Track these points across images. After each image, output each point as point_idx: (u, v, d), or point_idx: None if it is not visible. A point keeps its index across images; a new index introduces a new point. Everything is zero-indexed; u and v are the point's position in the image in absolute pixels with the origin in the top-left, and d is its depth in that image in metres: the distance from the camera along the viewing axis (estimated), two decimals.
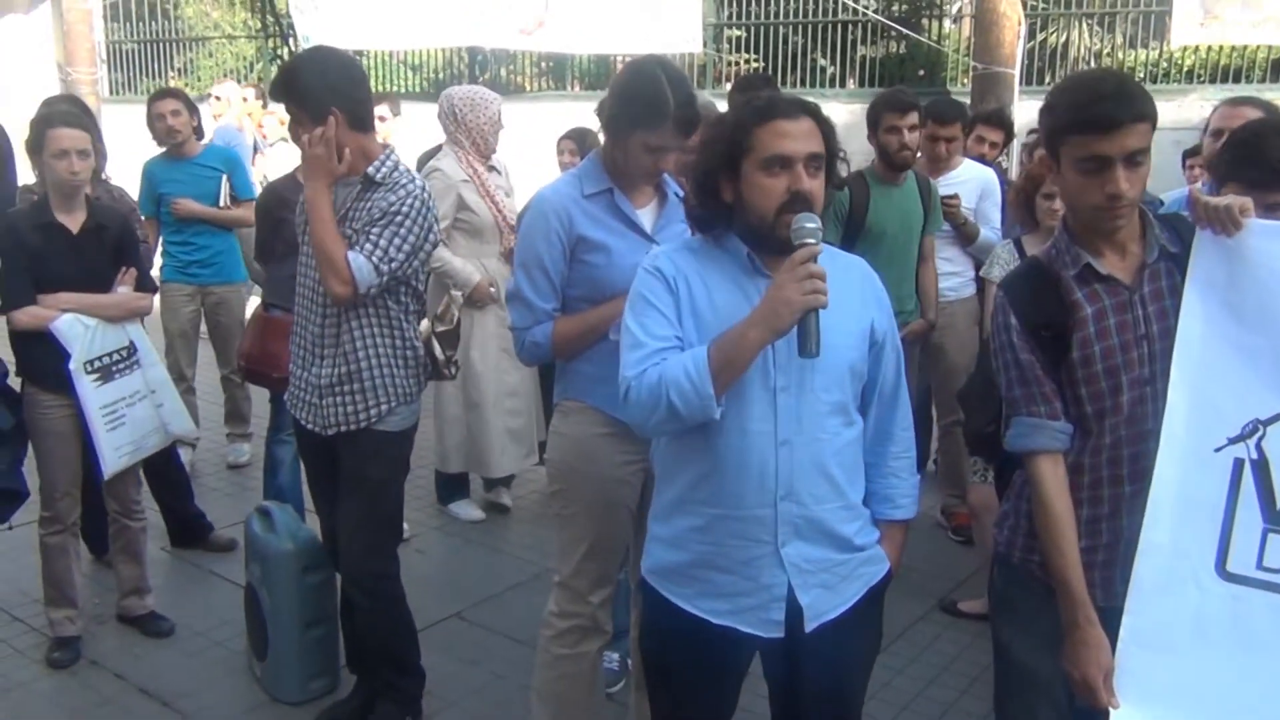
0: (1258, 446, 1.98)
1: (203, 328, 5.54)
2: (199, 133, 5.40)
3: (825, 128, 2.06)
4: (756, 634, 2.11)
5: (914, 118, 4.27)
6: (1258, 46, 9.10)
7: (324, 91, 2.86)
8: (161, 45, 13.09)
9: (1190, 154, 5.37)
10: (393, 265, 2.89)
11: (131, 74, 13.16)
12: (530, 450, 4.94)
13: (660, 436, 2.17)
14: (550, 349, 2.73)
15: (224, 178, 5.34)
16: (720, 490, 2.07)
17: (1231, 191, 2.29)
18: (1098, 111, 1.94)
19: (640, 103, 2.59)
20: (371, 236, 2.88)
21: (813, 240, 1.93)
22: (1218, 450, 2.00)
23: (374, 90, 3.10)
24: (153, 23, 12.97)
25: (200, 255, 5.34)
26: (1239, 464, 1.99)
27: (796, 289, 1.88)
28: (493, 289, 4.63)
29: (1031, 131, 5.81)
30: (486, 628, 3.96)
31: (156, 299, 4.06)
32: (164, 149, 5.31)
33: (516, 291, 2.73)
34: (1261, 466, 1.97)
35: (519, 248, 2.79)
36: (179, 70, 13.56)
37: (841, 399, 2.10)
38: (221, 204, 5.35)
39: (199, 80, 13.36)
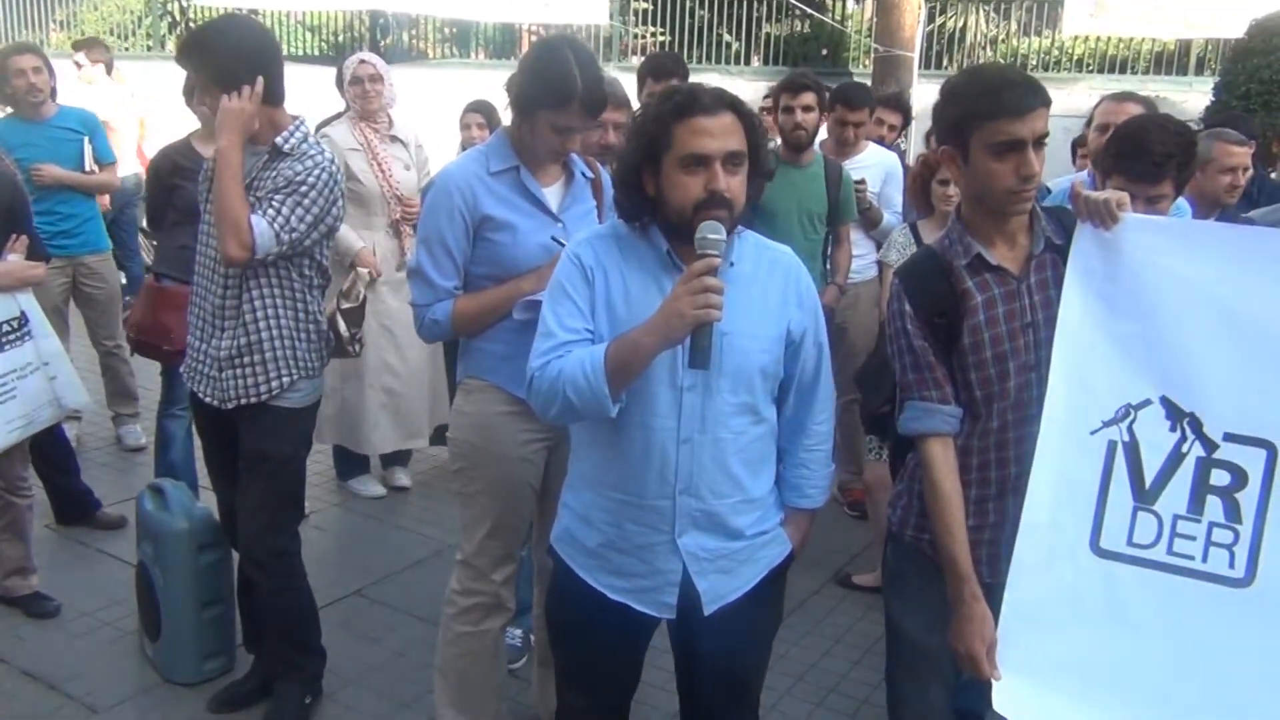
0: (1129, 429, 2.09)
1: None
2: (54, 93, 5.03)
3: (747, 122, 2.05)
4: (649, 613, 2.17)
5: (808, 98, 4.34)
6: (1143, 39, 9.49)
7: (240, 60, 2.80)
8: None
9: (1079, 143, 5.57)
10: (293, 235, 2.84)
11: (9, 27, 12.51)
12: (416, 431, 4.88)
13: (558, 424, 2.24)
14: (450, 327, 2.72)
15: (85, 140, 5.06)
16: (624, 477, 2.13)
17: (1116, 184, 2.41)
18: (1011, 96, 2.03)
19: (548, 82, 2.59)
20: (274, 203, 2.83)
21: (714, 252, 1.92)
22: (1093, 433, 2.10)
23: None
24: None
25: (66, 225, 4.99)
26: (1112, 446, 2.09)
27: (689, 303, 1.88)
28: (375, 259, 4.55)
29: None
30: (388, 605, 3.94)
31: None
32: (14, 110, 4.94)
33: (418, 268, 2.71)
34: (1132, 448, 2.08)
35: (421, 224, 2.76)
36: (60, 24, 12.95)
37: (749, 400, 2.12)
38: (86, 169, 5.08)
39: (82, 34, 12.78)
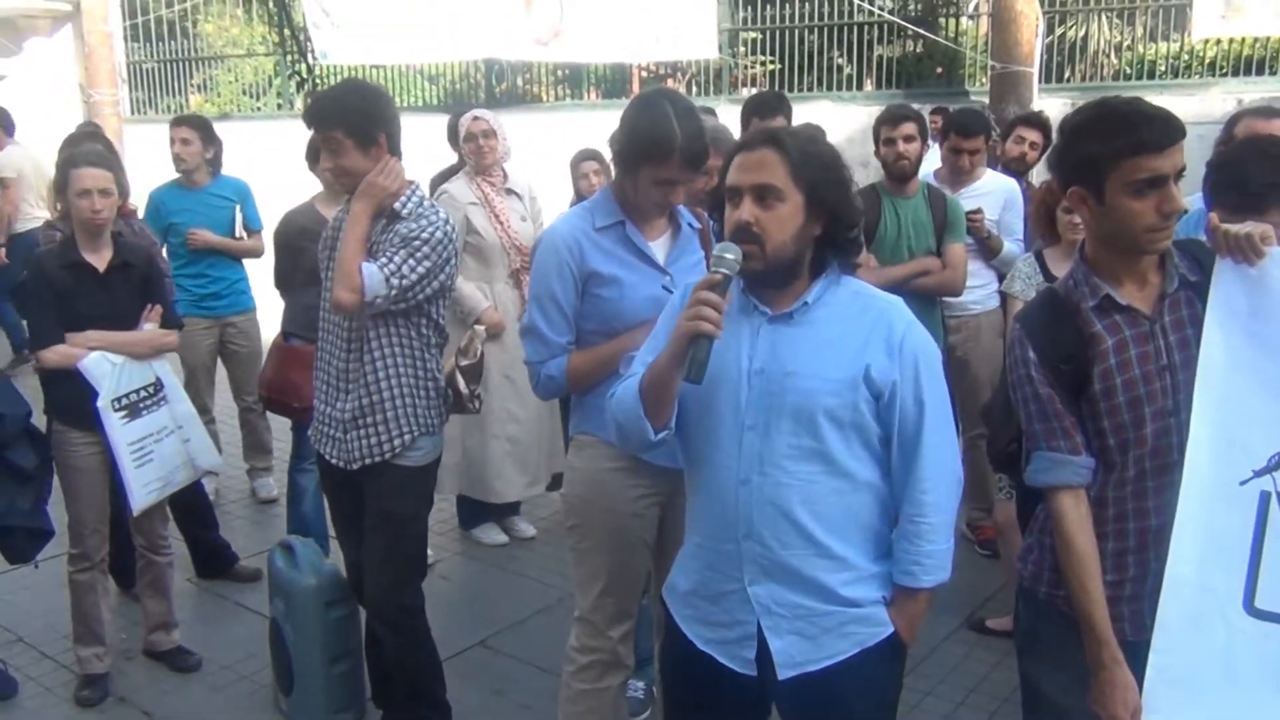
0: None
1: None
2: (216, 162, 5.37)
3: (793, 158, 1.99)
4: (733, 668, 2.10)
5: (909, 128, 4.24)
6: None
7: (372, 118, 2.97)
8: (181, 64, 13.20)
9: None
10: (404, 282, 2.91)
11: (152, 93, 13.27)
12: (535, 479, 4.91)
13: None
14: (565, 383, 2.73)
15: (236, 208, 5.34)
16: (700, 520, 2.15)
17: (1218, 215, 2.25)
18: (1151, 131, 1.94)
19: (648, 137, 2.60)
20: (388, 253, 2.93)
21: (723, 270, 1.94)
22: (1243, 483, 1.97)
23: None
24: (172, 42, 13.08)
25: (215, 287, 5.32)
26: (1265, 497, 1.96)
27: (685, 315, 1.92)
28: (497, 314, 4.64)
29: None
30: (512, 656, 3.96)
31: None
32: (175, 178, 5.30)
33: (531, 325, 2.73)
34: None
35: (532, 282, 2.79)
36: (198, 87, 13.67)
37: (816, 446, 2.00)
38: (236, 235, 5.36)
39: (219, 97, 13.48)
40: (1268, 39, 9.08)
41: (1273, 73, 9.04)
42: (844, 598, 2.06)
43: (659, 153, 2.58)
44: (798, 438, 2.00)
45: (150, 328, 3.67)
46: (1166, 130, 1.95)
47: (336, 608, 3.38)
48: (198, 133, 5.26)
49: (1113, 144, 1.97)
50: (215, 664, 3.88)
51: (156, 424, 3.66)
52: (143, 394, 3.63)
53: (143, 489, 3.61)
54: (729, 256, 1.94)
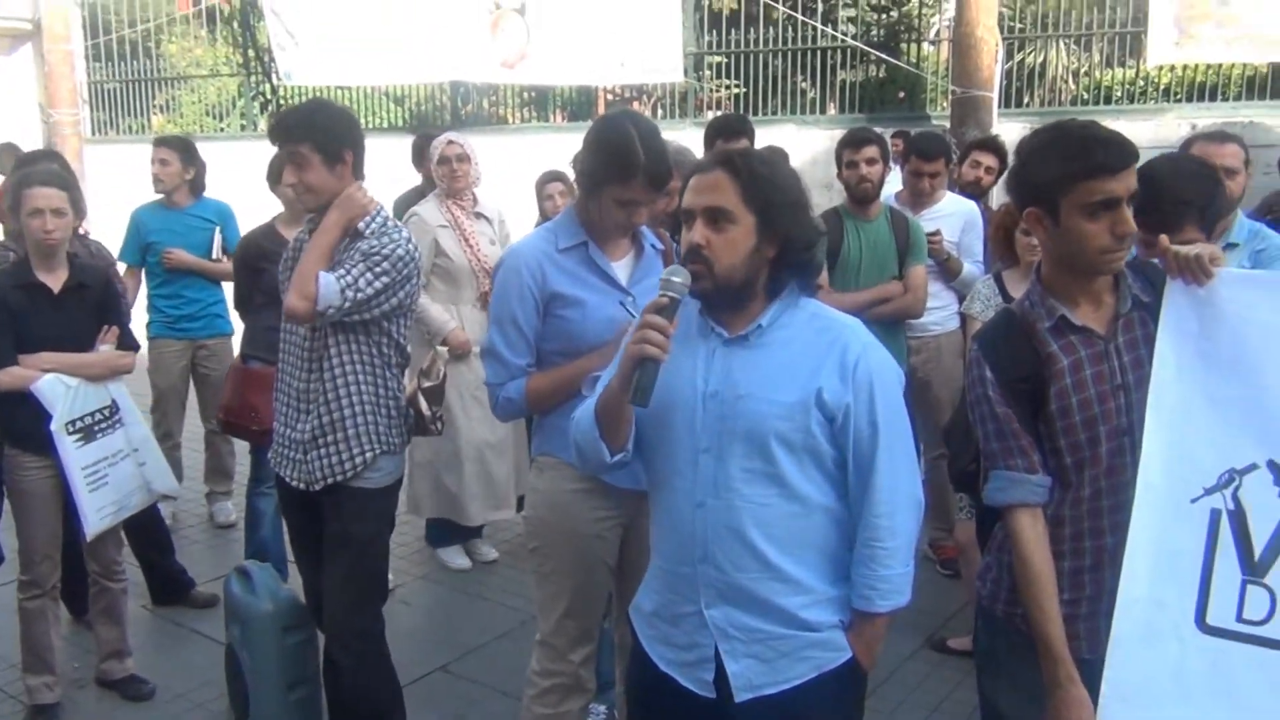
0: (1234, 497, 1.97)
1: None
2: (198, 183, 5.32)
3: (745, 181, 1.99)
4: (692, 689, 2.09)
5: (870, 151, 4.30)
6: (1232, 64, 9.17)
7: (340, 136, 2.99)
8: (143, 84, 13.08)
9: None
10: (359, 295, 2.90)
11: (114, 113, 13.15)
12: (502, 502, 4.88)
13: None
14: (524, 405, 2.73)
15: (216, 230, 5.30)
16: (661, 541, 2.17)
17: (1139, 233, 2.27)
18: (1105, 154, 1.97)
19: (611, 158, 2.60)
20: (346, 264, 2.93)
21: (670, 293, 1.95)
22: (1194, 501, 1.99)
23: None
24: (134, 62, 12.97)
25: (190, 309, 5.27)
26: (1216, 514, 1.98)
27: (632, 338, 1.94)
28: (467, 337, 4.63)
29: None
30: (473, 680, 3.92)
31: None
32: (157, 198, 5.26)
33: (490, 347, 2.72)
34: (1238, 517, 1.96)
35: (493, 303, 2.78)
36: (160, 108, 13.57)
37: (769, 469, 1.99)
38: (214, 257, 5.30)
39: (182, 118, 13.37)
40: (1220, 66, 9.27)
41: (1225, 99, 9.24)
42: (801, 621, 2.04)
43: (622, 174, 2.58)
44: (750, 461, 2.00)
45: (106, 349, 3.61)
46: (1120, 154, 1.98)
47: (294, 633, 3.33)
48: (177, 153, 5.22)
49: (1068, 166, 1.99)
50: (170, 692, 3.81)
51: (112, 447, 3.61)
52: (98, 417, 3.57)
53: (97, 514, 3.55)
54: (676, 280, 1.95)
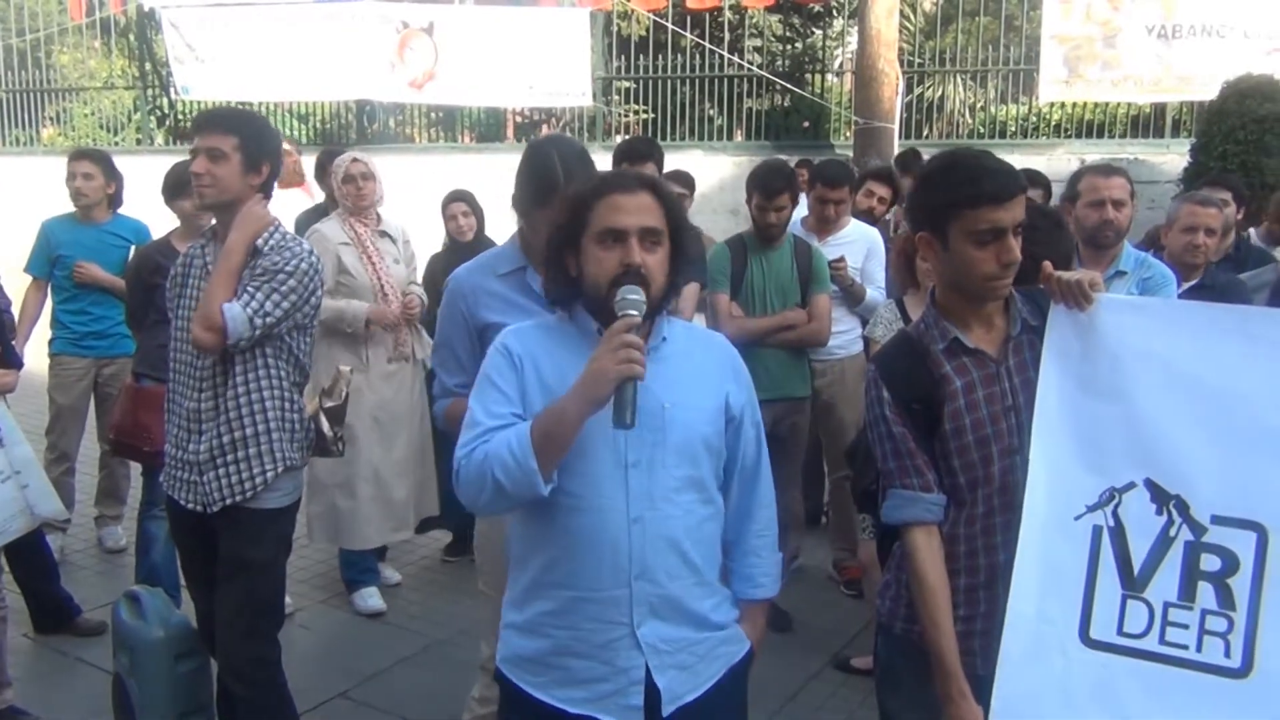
0: (1114, 514, 2.04)
1: None
2: (117, 199, 5.12)
3: (667, 202, 2.07)
4: None
5: (782, 200, 4.38)
6: (1118, 104, 9.62)
7: (265, 145, 2.96)
8: (34, 95, 12.64)
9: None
10: (268, 320, 2.86)
11: (2, 125, 12.66)
12: (403, 524, 4.78)
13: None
14: (445, 425, 2.78)
15: (131, 249, 5.08)
16: (575, 572, 2.03)
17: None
18: (992, 184, 2.03)
19: (535, 183, 2.68)
20: (250, 289, 2.87)
21: (634, 312, 1.93)
22: (1077, 518, 2.06)
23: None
24: (23, 72, 12.52)
25: (97, 326, 5.05)
26: (1098, 531, 2.05)
27: (612, 359, 1.87)
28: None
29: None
30: (374, 707, 3.83)
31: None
32: (71, 211, 5.05)
33: (434, 365, 2.87)
34: (1118, 534, 2.03)
35: (438, 324, 2.88)
36: (52, 119, 13.11)
37: (695, 474, 2.06)
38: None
39: (74, 131, 12.94)
40: (1106, 105, 9.72)
41: (1112, 136, 9.67)
42: (714, 622, 2.12)
43: (547, 198, 2.61)
44: (681, 469, 2.04)
45: None
46: (1007, 184, 2.05)
47: (186, 660, 3.22)
48: (100, 167, 5.02)
49: (956, 194, 2.06)
50: None
51: None
52: None
53: None
54: (634, 298, 1.94)
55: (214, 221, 3.07)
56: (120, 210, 5.19)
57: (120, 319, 5.10)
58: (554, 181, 2.62)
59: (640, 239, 2.01)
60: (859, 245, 4.87)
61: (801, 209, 5.26)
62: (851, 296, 4.78)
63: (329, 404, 3.62)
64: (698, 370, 2.10)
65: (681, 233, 2.08)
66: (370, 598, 4.69)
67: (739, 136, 10.74)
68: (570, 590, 2.04)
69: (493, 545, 2.72)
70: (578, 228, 2.05)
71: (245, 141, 2.91)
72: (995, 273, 2.07)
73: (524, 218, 2.75)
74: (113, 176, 5.08)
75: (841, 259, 4.70)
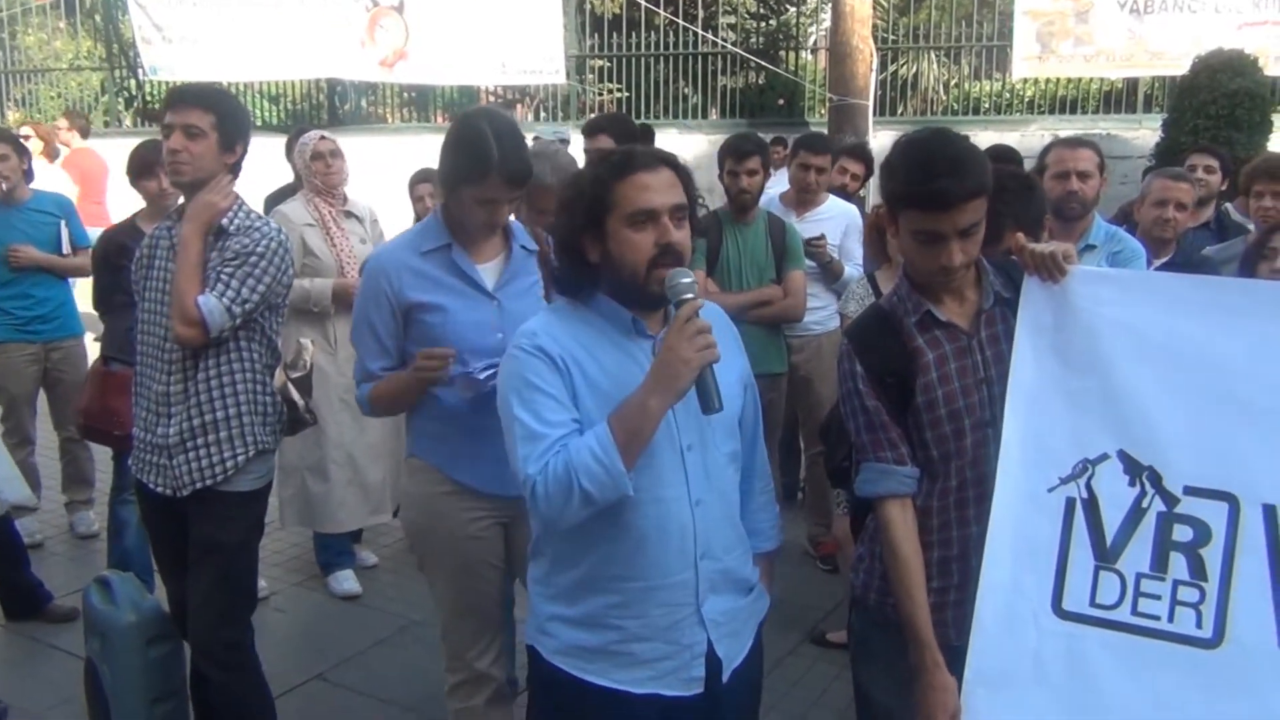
0: (1087, 486, 2.04)
1: None
2: (30, 174, 5.03)
3: (684, 176, 2.04)
4: (681, 695, 2.05)
5: (753, 163, 4.37)
6: (1090, 79, 9.65)
7: (240, 125, 2.90)
8: None
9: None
10: (246, 307, 2.83)
11: None
12: (379, 507, 4.75)
13: (570, 525, 1.96)
14: (370, 409, 2.79)
15: (61, 223, 5.02)
16: (641, 563, 2.00)
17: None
18: (934, 190, 1.98)
19: (465, 157, 2.57)
20: (223, 278, 2.81)
21: (691, 295, 1.90)
22: (1051, 490, 2.07)
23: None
24: None
25: (41, 310, 4.95)
26: (1070, 503, 2.05)
27: (689, 347, 1.84)
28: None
29: None
30: (351, 689, 3.81)
31: None
32: None
33: (353, 348, 2.78)
34: (1091, 505, 2.04)
35: (355, 307, 2.79)
36: (17, 102, 12.90)
37: (734, 448, 2.14)
38: (64, 252, 5.02)
39: (40, 113, 12.74)
40: (1079, 80, 9.75)
41: (1084, 111, 9.70)
42: (750, 583, 2.20)
43: (476, 172, 2.55)
44: (727, 445, 2.10)
45: None
46: (953, 190, 1.97)
47: (158, 645, 3.18)
48: (11, 146, 4.90)
49: (904, 190, 2.05)
50: (24, 712, 3.59)
51: None
52: None
53: None
54: (686, 280, 1.91)
55: (181, 201, 3.01)
56: (34, 185, 5.07)
57: (63, 300, 5.02)
58: (487, 156, 2.52)
59: (673, 217, 1.98)
60: (838, 222, 4.86)
61: (779, 184, 5.25)
62: (830, 273, 4.77)
63: (295, 375, 3.60)
64: (721, 345, 2.03)
65: (694, 206, 2.08)
66: (346, 580, 4.66)
67: (714, 114, 10.72)
68: (639, 581, 2.01)
69: (423, 531, 2.74)
70: (600, 210, 1.98)
71: (222, 119, 2.84)
72: (935, 270, 2.06)
73: (450, 193, 2.64)
74: (23, 153, 4.97)
75: (821, 236, 4.69)
